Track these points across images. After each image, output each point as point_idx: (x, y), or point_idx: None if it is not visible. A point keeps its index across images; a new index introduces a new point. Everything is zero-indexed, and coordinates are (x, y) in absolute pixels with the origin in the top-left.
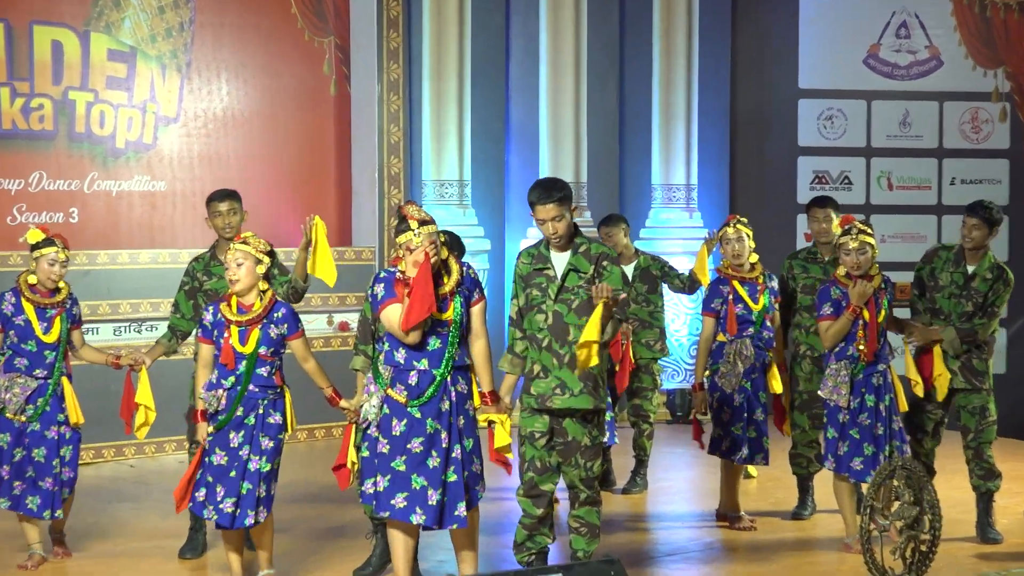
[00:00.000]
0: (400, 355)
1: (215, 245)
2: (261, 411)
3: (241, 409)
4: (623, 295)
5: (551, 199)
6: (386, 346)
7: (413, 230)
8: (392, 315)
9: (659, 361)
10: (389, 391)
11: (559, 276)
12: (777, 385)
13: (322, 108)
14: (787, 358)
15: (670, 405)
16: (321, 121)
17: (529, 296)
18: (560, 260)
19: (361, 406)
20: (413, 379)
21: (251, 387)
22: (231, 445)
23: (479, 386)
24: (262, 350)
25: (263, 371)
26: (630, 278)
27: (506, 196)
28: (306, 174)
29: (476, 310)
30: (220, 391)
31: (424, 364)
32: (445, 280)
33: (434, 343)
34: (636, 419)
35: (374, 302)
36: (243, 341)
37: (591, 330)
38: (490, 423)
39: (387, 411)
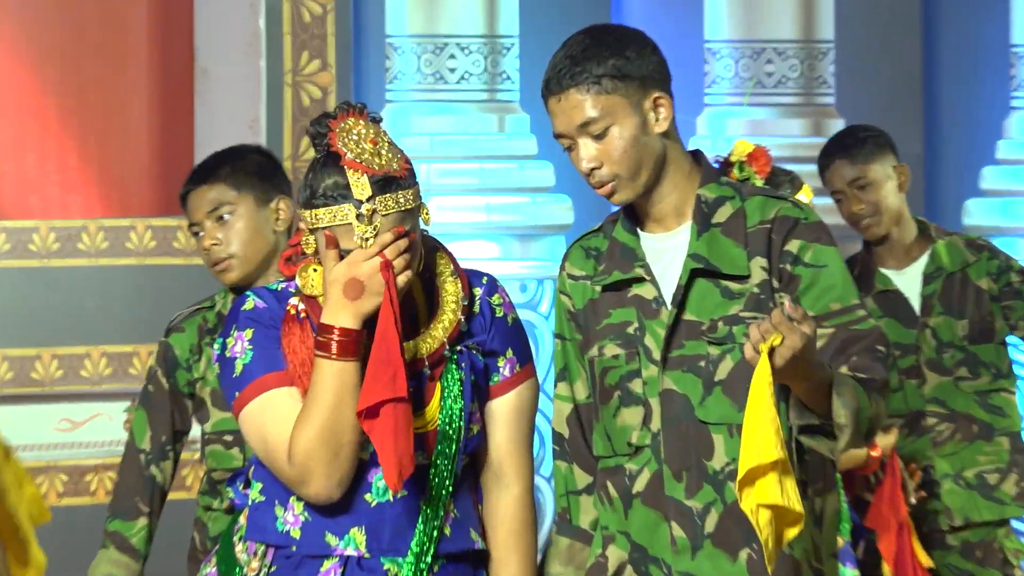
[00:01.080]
0: (290, 519)
1: None
2: None
3: None
4: (865, 327)
5: (582, 72)
6: (255, 492)
7: (357, 199)
8: (276, 419)
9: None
10: None
11: (667, 294)
12: None
13: None
14: None
15: None
16: None
17: (599, 362)
18: (666, 250)
19: None
20: None
21: None
22: None
23: None
24: None
25: None
26: (914, 293)
27: None
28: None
29: (507, 404)
30: None
31: (356, 545)
32: (423, 322)
33: (383, 491)
34: None
35: (225, 381)
36: None
37: (762, 438)
38: None
39: None
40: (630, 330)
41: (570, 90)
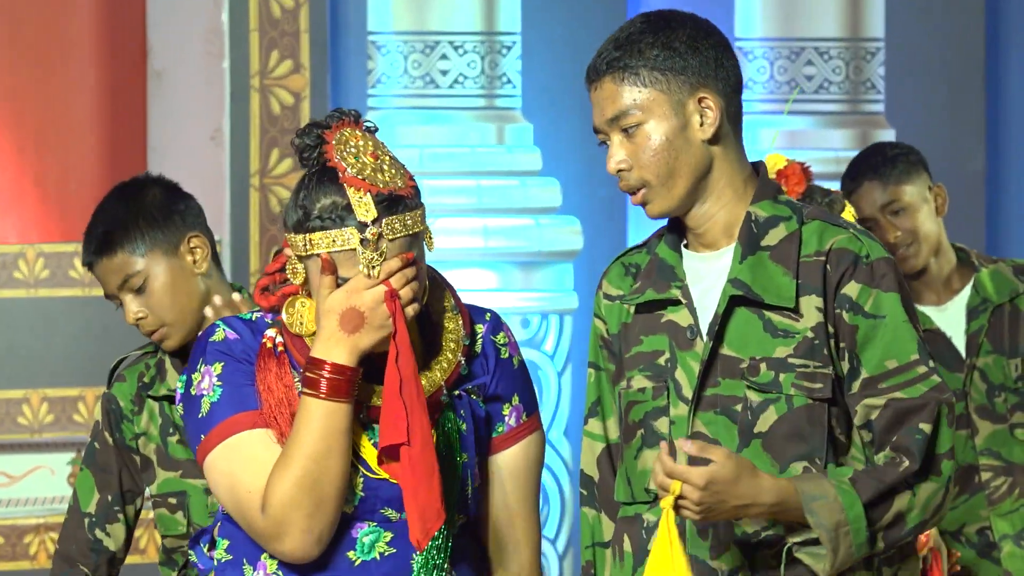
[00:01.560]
0: None
1: None
2: None
3: None
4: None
5: (620, 60)
6: (220, 551)
7: (361, 222)
8: (248, 464)
9: None
10: None
11: (704, 323)
12: None
13: None
14: None
15: None
16: None
17: (625, 395)
18: (708, 272)
19: None
20: None
21: None
22: None
23: None
24: None
25: None
26: (958, 331)
27: None
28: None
29: (513, 458)
30: None
31: None
32: (419, 363)
33: (368, 548)
34: None
35: (189, 422)
36: None
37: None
38: None
39: None
40: (660, 360)
41: (605, 78)
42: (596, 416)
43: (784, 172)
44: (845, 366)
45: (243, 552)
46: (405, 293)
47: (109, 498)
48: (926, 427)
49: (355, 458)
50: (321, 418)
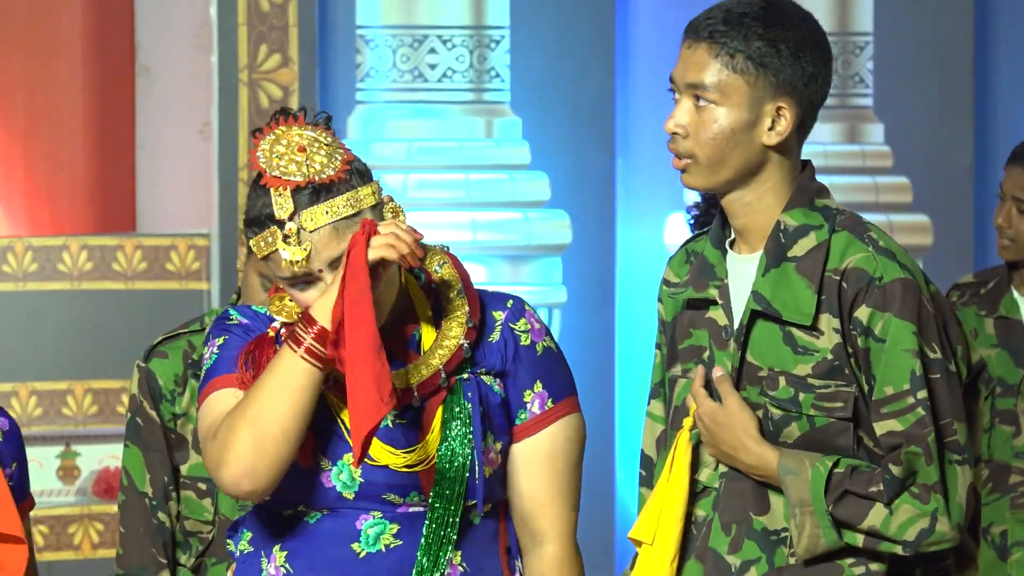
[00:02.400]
0: (272, 571)
1: None
2: None
3: None
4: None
5: (725, 35)
6: (244, 543)
7: (280, 220)
8: (220, 406)
9: None
10: None
11: (735, 321)
12: None
13: None
14: None
15: None
16: None
17: (681, 384)
18: (743, 275)
19: None
20: None
21: None
22: None
23: None
24: None
25: None
26: None
27: (624, 96)
28: None
29: (536, 446)
30: None
31: None
32: (425, 334)
33: (373, 540)
34: None
35: (199, 389)
36: None
37: (646, 519)
38: None
39: None
40: (704, 356)
41: (703, 44)
42: (658, 397)
43: None
44: (864, 386)
45: (261, 544)
46: (388, 243)
47: (164, 478)
48: (899, 463)
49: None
50: (289, 368)
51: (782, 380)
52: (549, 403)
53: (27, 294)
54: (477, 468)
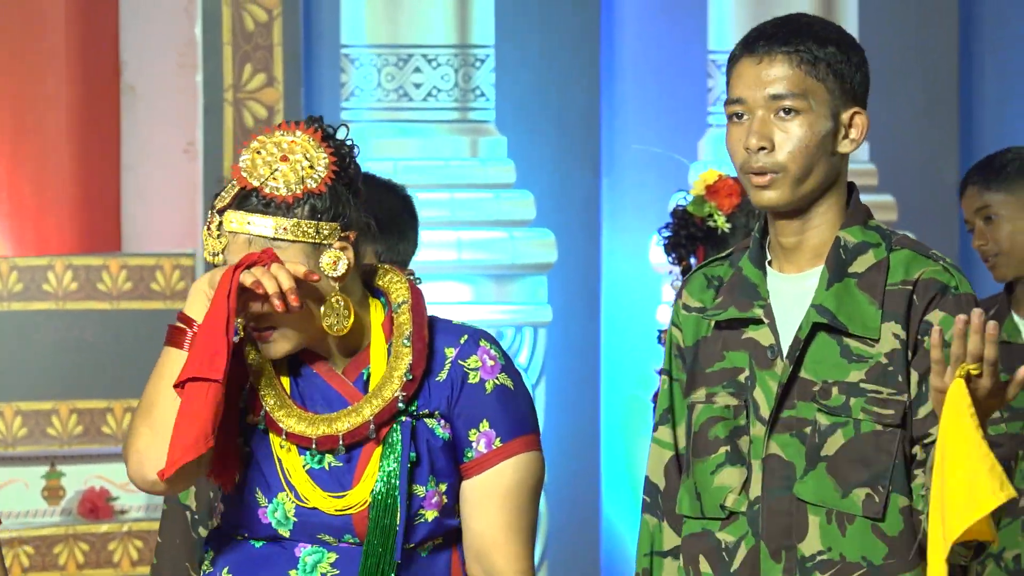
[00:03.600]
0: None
1: None
2: None
3: None
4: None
5: (802, 44)
6: (207, 564)
7: (217, 208)
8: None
9: None
10: None
11: (785, 344)
12: None
13: None
14: None
15: None
16: None
17: (705, 410)
18: (791, 293)
19: None
20: None
21: None
22: None
23: None
24: None
25: None
26: None
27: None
28: None
29: (484, 485)
30: None
31: None
32: (375, 373)
33: (311, 568)
34: None
35: None
36: None
37: (979, 485)
38: None
39: None
40: (740, 378)
41: (779, 55)
42: (666, 424)
43: (715, 187)
44: (914, 390)
45: (217, 564)
46: (268, 284)
47: (210, 493)
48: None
49: (286, 485)
50: (170, 363)
51: (835, 389)
52: (497, 442)
53: (12, 314)
54: (399, 514)
